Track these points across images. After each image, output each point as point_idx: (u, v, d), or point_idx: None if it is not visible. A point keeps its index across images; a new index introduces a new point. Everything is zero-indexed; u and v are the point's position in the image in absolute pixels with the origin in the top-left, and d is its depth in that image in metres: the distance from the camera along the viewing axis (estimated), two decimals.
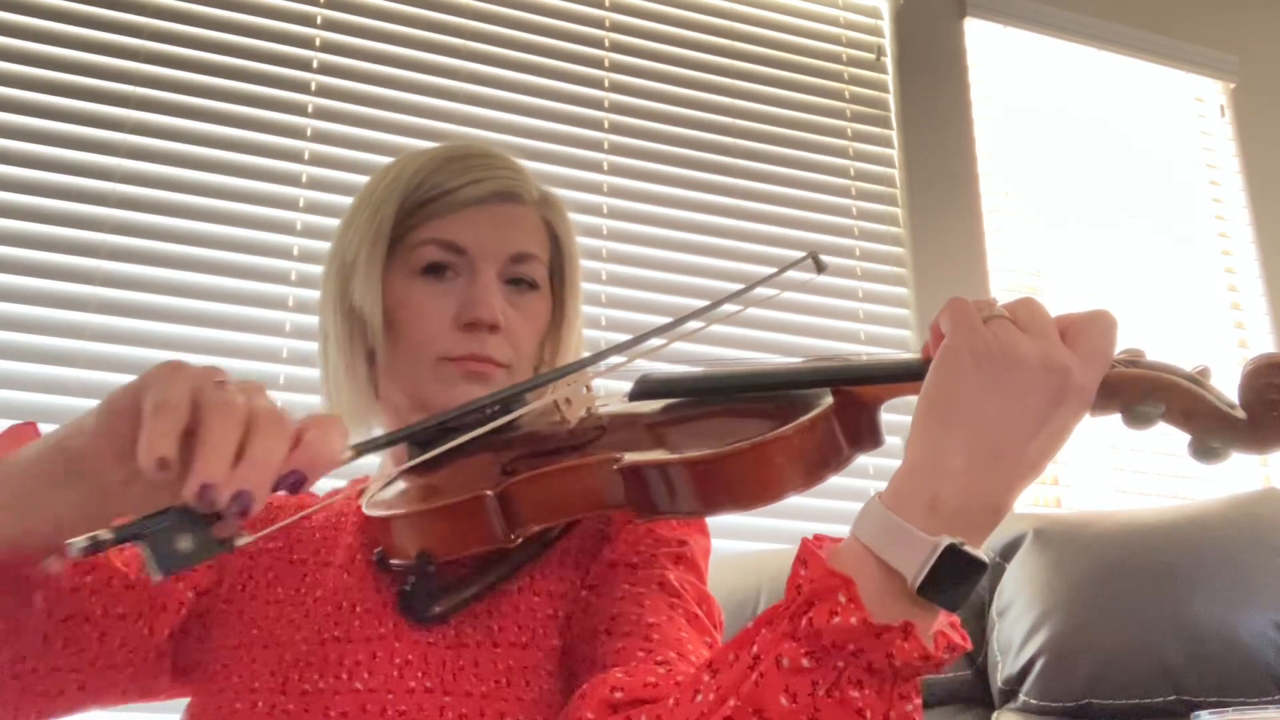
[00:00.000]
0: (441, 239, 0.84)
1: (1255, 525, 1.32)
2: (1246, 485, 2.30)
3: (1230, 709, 0.86)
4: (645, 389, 0.78)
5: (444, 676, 0.72)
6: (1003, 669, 1.32)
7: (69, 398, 1.63)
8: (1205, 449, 0.60)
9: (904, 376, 0.66)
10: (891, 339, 2.21)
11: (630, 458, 0.67)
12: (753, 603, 1.44)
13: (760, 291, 0.84)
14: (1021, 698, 1.29)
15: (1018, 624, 1.32)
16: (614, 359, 0.77)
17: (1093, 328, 0.60)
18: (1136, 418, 0.61)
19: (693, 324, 0.81)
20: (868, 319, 2.20)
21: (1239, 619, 1.23)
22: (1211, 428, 0.60)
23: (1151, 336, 2.44)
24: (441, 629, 0.75)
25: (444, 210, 0.84)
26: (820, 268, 0.88)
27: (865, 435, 0.69)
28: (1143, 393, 0.61)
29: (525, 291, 0.87)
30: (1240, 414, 0.59)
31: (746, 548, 1.73)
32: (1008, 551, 1.41)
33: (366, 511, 0.77)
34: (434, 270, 0.84)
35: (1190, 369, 0.62)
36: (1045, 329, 0.59)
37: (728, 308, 0.82)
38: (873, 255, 2.25)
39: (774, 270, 0.87)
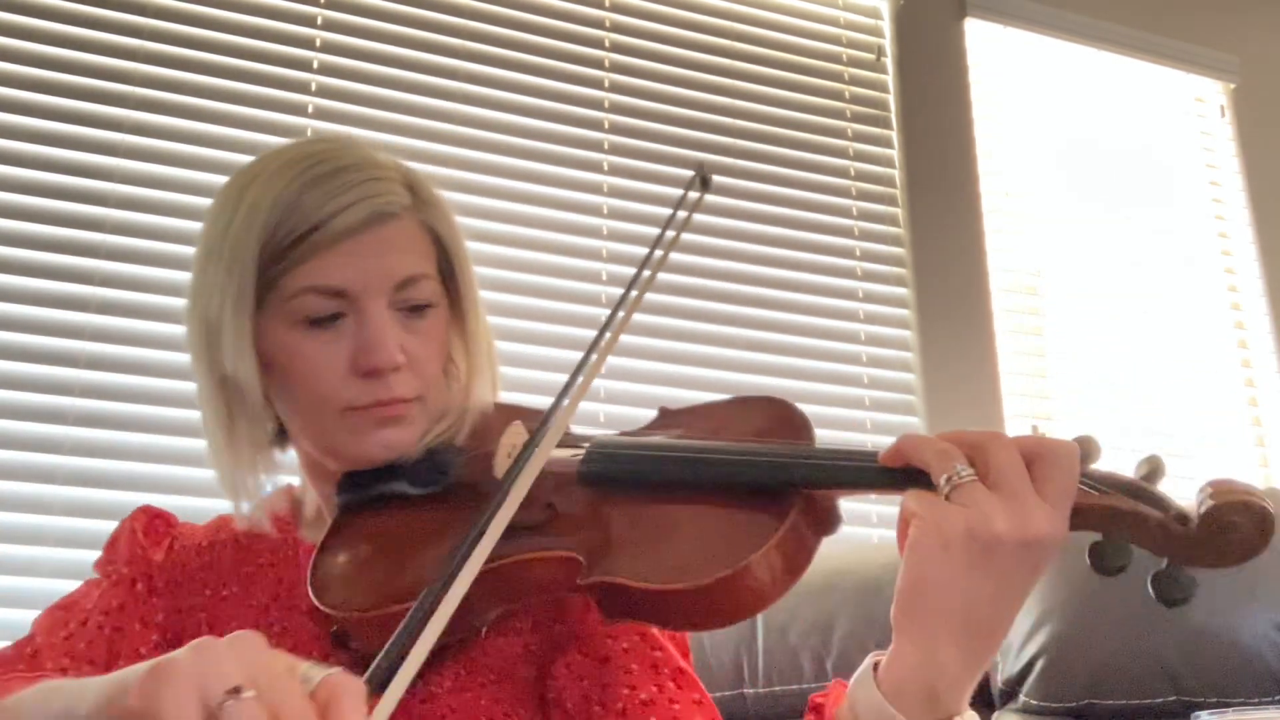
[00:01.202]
0: (318, 285, 0.75)
1: None
2: None
3: (1230, 709, 0.86)
4: (597, 473, 0.73)
5: None
6: (1003, 669, 1.32)
7: (69, 398, 1.63)
8: (1166, 582, 0.58)
9: (880, 486, 0.65)
10: (891, 339, 2.21)
11: (593, 576, 0.65)
12: None
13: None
14: (1022, 698, 1.29)
15: (1018, 624, 1.31)
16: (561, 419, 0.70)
17: (1061, 465, 0.58)
18: (1106, 571, 0.59)
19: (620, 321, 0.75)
20: (868, 319, 2.20)
21: (1239, 619, 1.23)
22: (1153, 536, 0.59)
23: (1151, 338, 2.44)
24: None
25: (314, 251, 0.75)
26: (706, 184, 0.82)
27: (829, 525, 0.68)
28: (1103, 523, 0.60)
29: (421, 313, 0.80)
30: (1191, 527, 0.58)
31: None
32: None
33: (318, 604, 0.73)
34: (317, 318, 0.76)
35: (1138, 471, 0.61)
36: (1016, 485, 0.58)
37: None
38: (873, 255, 2.25)
39: (672, 206, 0.83)
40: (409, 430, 0.78)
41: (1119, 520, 0.59)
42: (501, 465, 0.77)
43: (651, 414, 0.84)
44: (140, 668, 0.45)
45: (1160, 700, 1.22)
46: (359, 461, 0.79)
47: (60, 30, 1.80)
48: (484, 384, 0.85)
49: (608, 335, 0.75)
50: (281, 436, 0.86)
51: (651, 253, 0.80)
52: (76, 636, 0.79)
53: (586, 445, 0.75)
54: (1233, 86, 2.73)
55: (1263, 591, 1.25)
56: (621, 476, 0.72)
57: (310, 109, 1.91)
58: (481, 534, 0.59)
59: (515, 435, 0.80)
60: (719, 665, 1.41)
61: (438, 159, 1.96)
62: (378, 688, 0.49)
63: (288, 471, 0.89)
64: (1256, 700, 1.19)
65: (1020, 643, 1.30)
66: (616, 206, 2.07)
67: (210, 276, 0.77)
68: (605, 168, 2.09)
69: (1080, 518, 0.59)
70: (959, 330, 2.24)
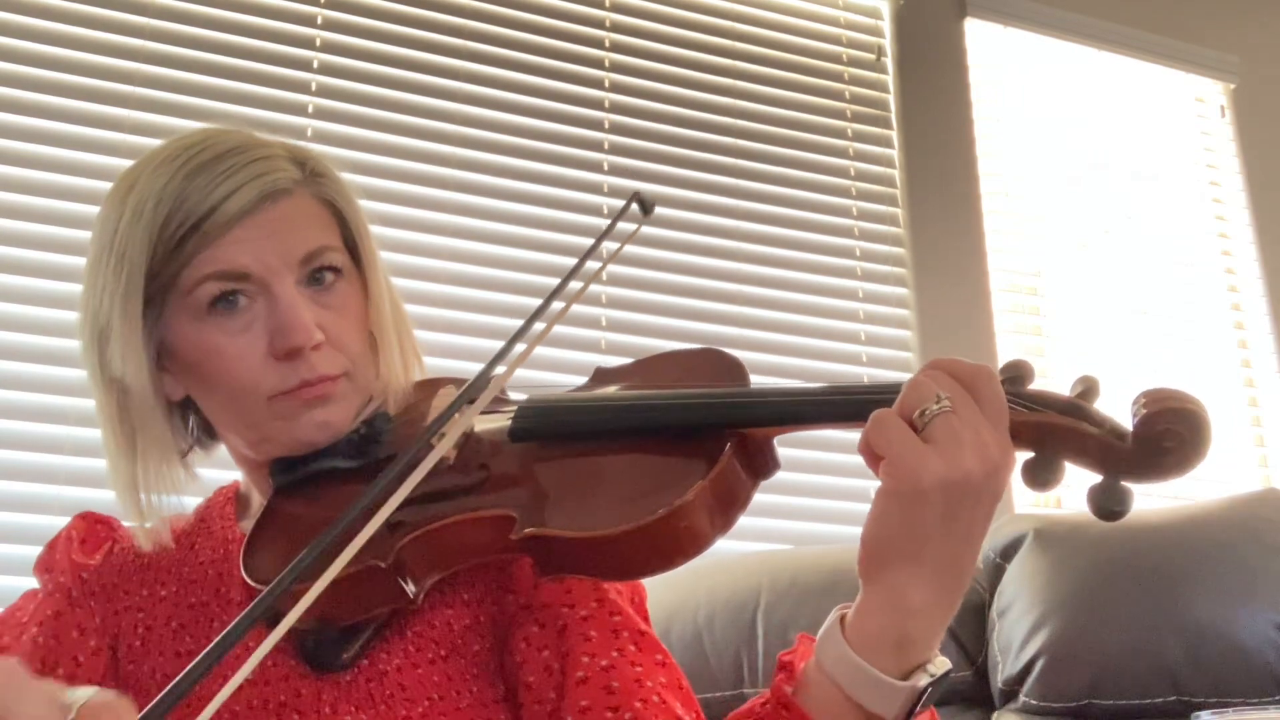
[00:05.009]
0: (218, 272, 0.73)
1: (1255, 525, 1.32)
2: (1246, 485, 2.30)
3: (1230, 709, 0.86)
4: (527, 428, 0.73)
5: (376, 709, 0.71)
6: (1003, 669, 1.32)
7: (69, 398, 1.63)
8: (1104, 495, 0.57)
9: (812, 420, 0.65)
10: (891, 339, 2.21)
11: (528, 530, 0.64)
12: (753, 603, 1.44)
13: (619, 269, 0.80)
14: (1022, 698, 1.29)
15: (1018, 624, 1.32)
16: (493, 380, 0.68)
17: (986, 387, 0.59)
18: (1041, 486, 0.60)
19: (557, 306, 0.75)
20: (868, 319, 2.20)
21: (1239, 619, 1.23)
22: (1092, 453, 0.58)
23: (1152, 338, 2.44)
24: (358, 663, 0.73)
25: (208, 239, 0.73)
26: (646, 210, 0.81)
27: (766, 467, 0.67)
28: (1039, 441, 0.59)
29: (331, 285, 0.78)
30: (1128, 441, 0.56)
31: (746, 548, 1.73)
32: (1008, 552, 1.41)
33: (249, 581, 0.73)
34: (224, 304, 0.74)
35: (1074, 390, 0.60)
36: (970, 415, 0.57)
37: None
38: (873, 255, 2.25)
39: (607, 225, 0.81)
40: (341, 408, 0.77)
41: (1054, 437, 0.59)
42: None
43: None
44: None
45: (1160, 700, 1.22)
46: (296, 447, 0.77)
47: (60, 30, 1.80)
48: (392, 355, 0.82)
49: (558, 304, 0.74)
50: (207, 437, 0.84)
51: (581, 263, 0.79)
52: (12, 649, 0.77)
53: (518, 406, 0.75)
54: (1233, 86, 2.73)
55: (1263, 591, 1.25)
56: (551, 430, 0.72)
57: (310, 109, 1.91)
58: (393, 478, 0.56)
59: (446, 398, 0.79)
60: (719, 665, 1.41)
61: (438, 159, 1.96)
62: (270, 621, 0.46)
63: (207, 482, 0.86)
64: (1256, 700, 1.19)
65: (1020, 643, 1.30)
66: (616, 206, 2.07)
67: (98, 280, 0.75)
68: (605, 168, 2.09)
69: (1015, 437, 0.59)
70: (959, 330, 2.24)
